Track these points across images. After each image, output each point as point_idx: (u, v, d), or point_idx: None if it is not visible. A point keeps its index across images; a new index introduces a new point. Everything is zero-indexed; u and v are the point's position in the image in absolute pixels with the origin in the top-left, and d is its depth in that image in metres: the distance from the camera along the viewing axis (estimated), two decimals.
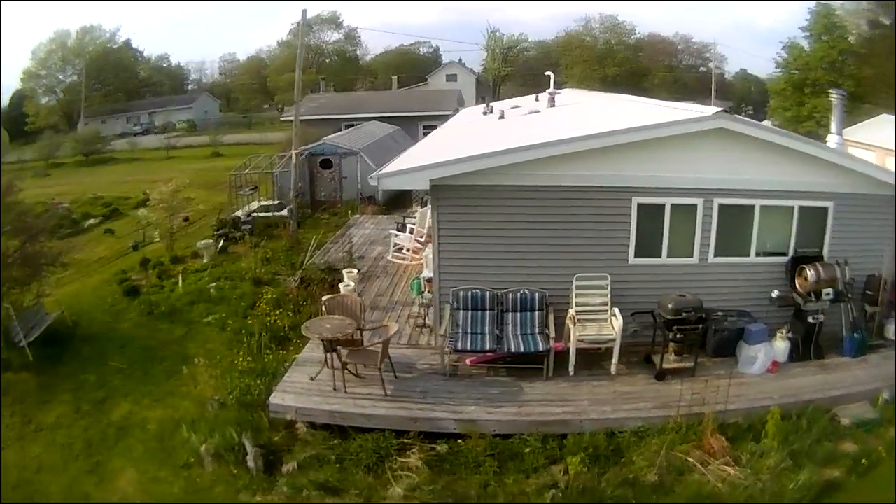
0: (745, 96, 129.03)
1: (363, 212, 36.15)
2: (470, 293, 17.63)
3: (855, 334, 19.11)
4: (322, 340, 16.46)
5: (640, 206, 18.25)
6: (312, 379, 16.55)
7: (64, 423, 17.51)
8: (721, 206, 18.73)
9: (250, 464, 14.55)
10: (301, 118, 48.73)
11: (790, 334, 18.64)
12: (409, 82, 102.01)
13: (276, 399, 15.89)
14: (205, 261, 29.28)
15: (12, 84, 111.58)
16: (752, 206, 18.98)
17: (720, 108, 18.81)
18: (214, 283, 25.66)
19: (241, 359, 19.01)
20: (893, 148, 35.64)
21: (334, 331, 16.37)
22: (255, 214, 34.53)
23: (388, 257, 26.33)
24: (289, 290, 23.19)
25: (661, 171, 18.12)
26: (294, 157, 33.23)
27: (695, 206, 18.60)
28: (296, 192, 33.56)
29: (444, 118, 51.87)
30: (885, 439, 15.52)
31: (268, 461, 14.60)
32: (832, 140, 23.54)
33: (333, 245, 29.18)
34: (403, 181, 18.08)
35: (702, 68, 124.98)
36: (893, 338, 19.86)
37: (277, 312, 21.53)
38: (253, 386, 17.09)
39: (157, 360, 20.68)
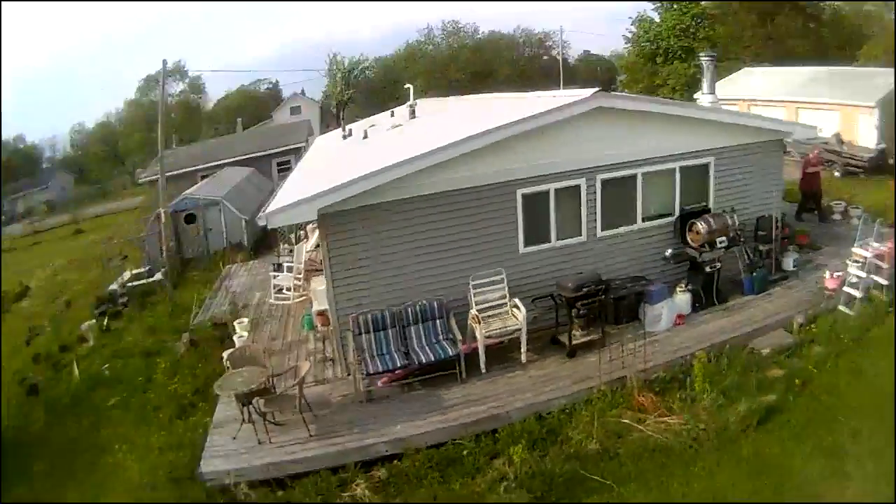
0: (591, 77, 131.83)
1: (233, 261, 35.44)
2: (370, 315, 17.65)
3: (754, 273, 20.59)
4: (236, 396, 16.19)
5: (524, 196, 18.91)
6: (235, 438, 16.01)
7: None
8: (604, 182, 19.72)
9: None
10: (157, 177, 48.55)
11: (689, 286, 19.87)
12: (253, 122, 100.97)
13: (207, 467, 15.20)
14: (91, 343, 28.32)
15: None
16: (635, 176, 20.13)
17: (597, 89, 19.75)
18: (107, 365, 24.97)
19: (155, 436, 18.49)
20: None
21: (248, 383, 15.98)
22: (128, 285, 33.56)
23: (271, 300, 26.11)
24: (180, 356, 22.91)
25: (542, 158, 18.87)
26: (164, 216, 32.98)
27: (578, 186, 19.48)
28: (169, 253, 33.46)
29: (297, 151, 52.94)
30: (809, 358, 16.97)
31: None
32: (705, 99, 25.03)
33: (212, 300, 28.82)
34: (291, 216, 17.87)
35: (545, 57, 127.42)
36: (792, 268, 21.72)
37: (176, 381, 21.11)
38: (176, 460, 16.64)
39: (74, 457, 19.81)
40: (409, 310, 17.95)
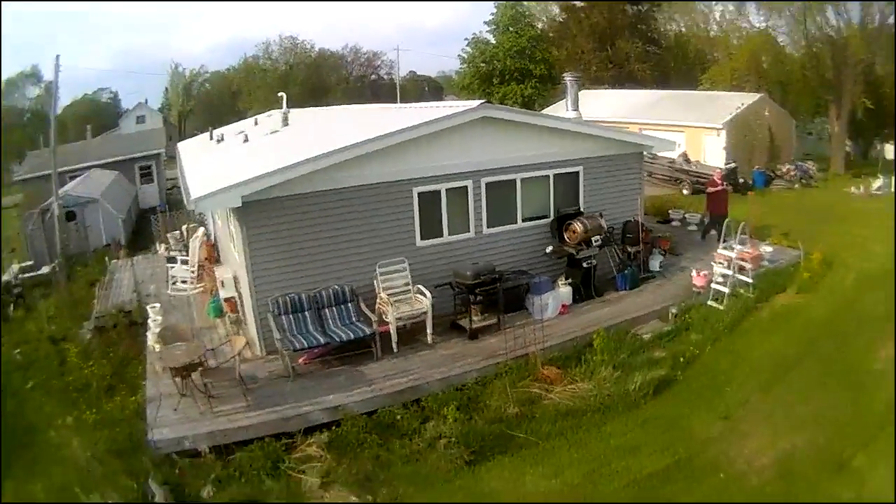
0: (419, 97, 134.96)
1: (116, 256, 36.02)
2: (288, 298, 19.27)
3: (626, 271, 23.59)
4: (172, 369, 17.29)
5: (419, 194, 21.23)
6: (176, 410, 16.97)
7: None
8: (488, 184, 22.34)
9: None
10: (28, 176, 51.75)
11: (569, 281, 22.65)
12: (98, 130, 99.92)
13: (156, 435, 16.03)
14: None
15: None
16: (514, 180, 22.86)
17: (484, 100, 22.43)
18: (18, 349, 25.35)
19: (87, 413, 19.00)
20: None
21: (190, 355, 17.41)
22: (21, 277, 34.41)
23: (168, 292, 27.27)
24: (87, 342, 23.78)
25: (434, 160, 21.26)
26: (57, 208, 34.84)
27: (466, 187, 21.98)
28: (62, 246, 35.06)
29: (156, 157, 56.92)
30: (689, 342, 20.10)
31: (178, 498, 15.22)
32: (569, 115, 27.77)
33: (108, 291, 29.48)
34: (217, 202, 19.53)
35: (373, 76, 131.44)
36: (658, 269, 24.85)
37: (91, 364, 21.69)
38: (113, 435, 17.35)
39: (5, 438, 19.49)
40: (324, 293, 19.75)
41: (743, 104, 48.73)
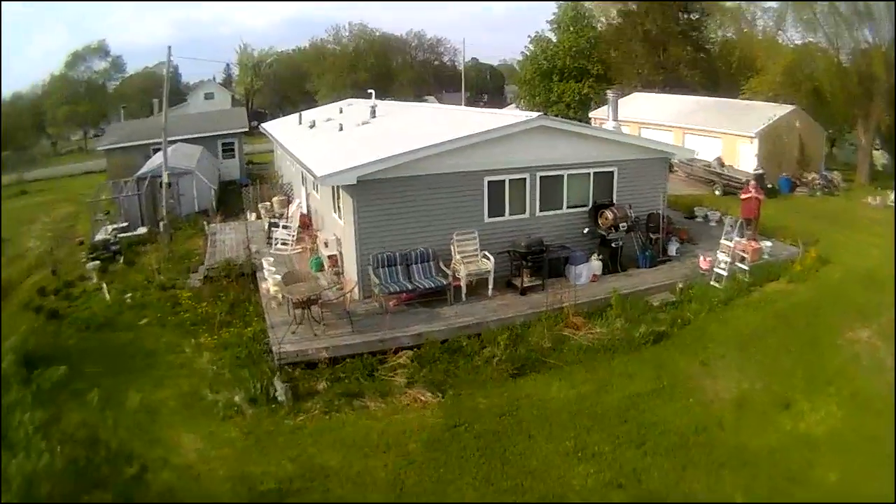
0: (480, 84, 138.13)
1: (213, 221, 40.90)
2: (385, 255, 25.10)
3: (646, 253, 28.80)
4: (296, 302, 22.63)
5: (489, 182, 27.19)
6: (294, 333, 22.28)
7: (89, 422, 17.03)
8: (541, 178, 28.16)
9: (281, 398, 19.35)
10: (111, 146, 55.41)
11: (600, 256, 28.13)
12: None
13: (282, 348, 21.14)
14: (94, 281, 31.58)
15: None
16: (562, 175, 28.58)
17: (541, 113, 28.67)
18: (129, 294, 28.67)
19: (207, 339, 23.32)
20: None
21: (311, 291, 23.21)
22: (120, 236, 37.64)
23: (271, 250, 32.17)
24: (195, 289, 28.17)
25: (501, 157, 27.10)
26: (166, 177, 39.09)
27: (524, 179, 27.97)
28: (168, 209, 39.32)
29: (237, 136, 60.49)
30: (688, 309, 25.46)
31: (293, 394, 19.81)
32: (609, 125, 33.71)
33: (212, 249, 34.29)
34: (339, 179, 24.83)
35: (436, 62, 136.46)
36: (674, 254, 29.98)
37: (204, 305, 25.85)
38: (236, 353, 21.92)
39: (127, 360, 22.99)
40: (411, 253, 25.67)
41: (775, 115, 51.43)
